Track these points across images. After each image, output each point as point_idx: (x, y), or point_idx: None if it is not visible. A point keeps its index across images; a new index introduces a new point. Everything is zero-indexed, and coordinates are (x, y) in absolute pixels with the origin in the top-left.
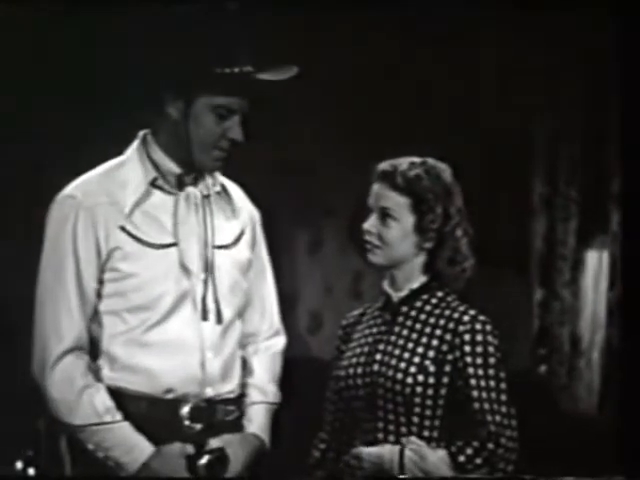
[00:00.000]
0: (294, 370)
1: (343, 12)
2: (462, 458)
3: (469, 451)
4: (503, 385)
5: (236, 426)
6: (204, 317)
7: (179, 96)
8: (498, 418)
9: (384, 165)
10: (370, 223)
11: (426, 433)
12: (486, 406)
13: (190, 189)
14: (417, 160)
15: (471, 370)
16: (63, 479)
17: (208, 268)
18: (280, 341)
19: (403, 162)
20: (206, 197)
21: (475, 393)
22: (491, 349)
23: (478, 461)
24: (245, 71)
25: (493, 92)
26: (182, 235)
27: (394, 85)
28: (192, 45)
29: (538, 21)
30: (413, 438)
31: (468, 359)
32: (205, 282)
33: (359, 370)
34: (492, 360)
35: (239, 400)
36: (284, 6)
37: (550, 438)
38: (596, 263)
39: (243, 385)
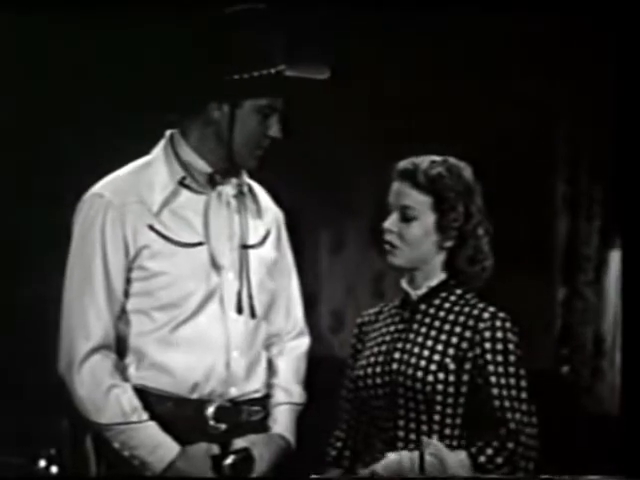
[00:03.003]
0: (316, 370)
1: (371, 13)
2: (482, 459)
3: (489, 451)
4: (523, 382)
5: (261, 426)
6: (239, 310)
7: (226, 100)
8: (518, 416)
9: (404, 163)
10: (390, 222)
11: (447, 431)
12: (506, 404)
13: (222, 188)
14: (438, 158)
15: (491, 368)
16: (86, 477)
17: (242, 264)
18: (304, 342)
19: (424, 160)
20: (236, 196)
21: (495, 391)
22: (511, 346)
23: (499, 461)
24: (284, 71)
25: (515, 90)
26: (213, 232)
27: (417, 85)
28: (235, 49)
29: (560, 18)
30: (433, 441)
31: (488, 356)
32: (240, 277)
33: (378, 369)
34: (512, 357)
35: (264, 400)
36: (314, 6)
37: (573, 438)
38: (619, 262)
39: (268, 385)
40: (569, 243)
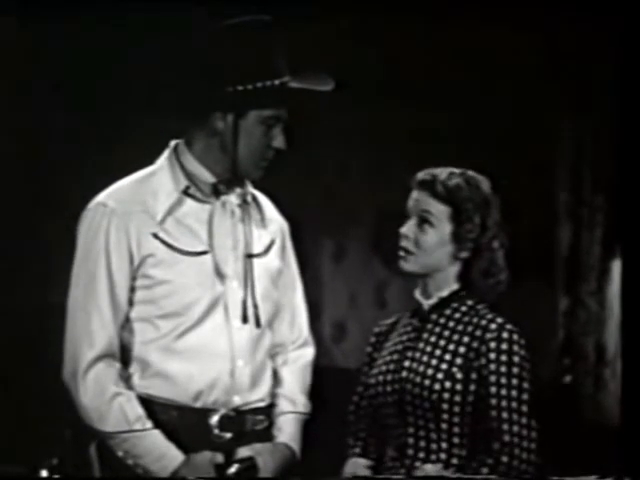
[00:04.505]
0: (318, 380)
1: (377, 20)
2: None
3: (485, 470)
4: (525, 396)
5: (266, 436)
6: (244, 320)
7: (230, 111)
8: (516, 428)
9: (423, 174)
10: (407, 228)
11: (456, 440)
12: (504, 415)
13: (226, 197)
14: (456, 170)
15: (493, 378)
16: (89, 477)
17: (247, 273)
18: (309, 351)
19: (442, 171)
20: (240, 205)
21: (494, 401)
22: (516, 359)
23: (494, 477)
24: (288, 82)
25: (517, 100)
26: (217, 241)
27: (419, 96)
28: (239, 60)
29: (561, 26)
30: (427, 466)
31: (492, 367)
32: (245, 286)
33: (388, 377)
34: (515, 370)
35: (269, 410)
36: (318, 18)
37: (575, 447)
38: (621, 271)
39: (273, 395)
40: (571, 253)
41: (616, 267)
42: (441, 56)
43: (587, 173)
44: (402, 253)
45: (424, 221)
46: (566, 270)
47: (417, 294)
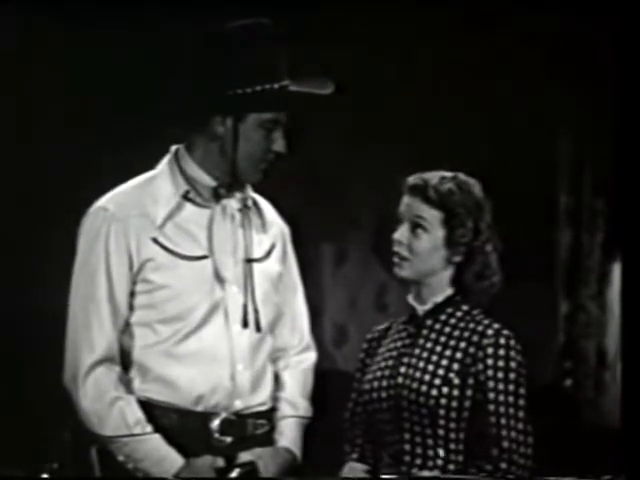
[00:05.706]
0: (319, 383)
1: (376, 26)
2: None
3: (483, 476)
4: (522, 402)
5: (267, 440)
6: (244, 324)
7: (229, 114)
8: (513, 434)
9: (414, 179)
10: (400, 233)
11: (452, 446)
12: (502, 421)
13: (226, 201)
14: (448, 174)
15: (490, 384)
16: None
17: (246, 277)
18: (311, 356)
19: (434, 176)
20: (241, 210)
21: (492, 407)
22: (513, 364)
23: None
24: (288, 85)
25: (517, 103)
26: (217, 245)
27: (419, 100)
28: (238, 63)
29: (561, 30)
30: (424, 473)
31: (489, 372)
32: (245, 291)
33: (384, 383)
34: (512, 375)
35: (270, 413)
36: (318, 21)
37: (575, 451)
38: (621, 275)
39: (274, 399)
40: (572, 256)
41: (616, 270)
42: (440, 57)
43: (587, 176)
44: (396, 259)
45: (417, 226)
46: (566, 274)
47: (411, 299)
